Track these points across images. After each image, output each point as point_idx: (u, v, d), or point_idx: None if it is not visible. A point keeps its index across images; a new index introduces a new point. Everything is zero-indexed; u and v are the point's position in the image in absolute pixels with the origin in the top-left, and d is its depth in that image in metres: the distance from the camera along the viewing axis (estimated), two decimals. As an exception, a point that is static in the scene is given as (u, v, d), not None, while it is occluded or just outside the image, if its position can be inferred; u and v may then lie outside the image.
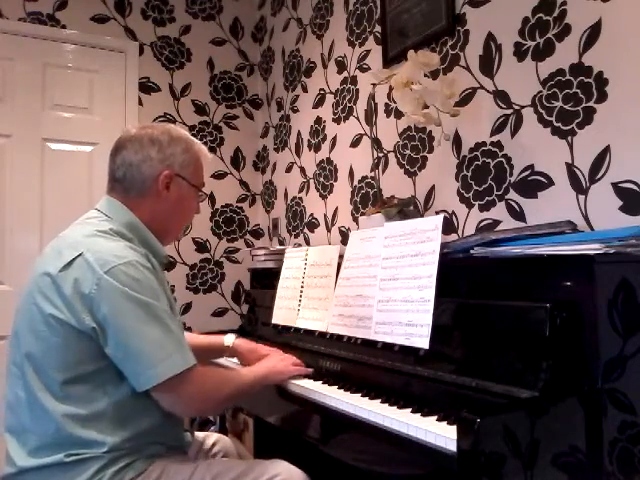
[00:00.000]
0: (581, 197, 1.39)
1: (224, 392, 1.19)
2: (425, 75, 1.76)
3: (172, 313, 1.15)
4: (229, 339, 1.59)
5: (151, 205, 1.25)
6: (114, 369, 1.08)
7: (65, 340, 1.06)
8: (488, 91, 1.66)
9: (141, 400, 1.10)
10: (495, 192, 1.63)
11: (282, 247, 2.29)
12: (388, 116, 2.09)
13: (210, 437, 1.47)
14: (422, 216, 1.78)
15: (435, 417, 1.03)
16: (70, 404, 1.06)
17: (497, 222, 1.62)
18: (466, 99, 1.72)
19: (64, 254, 1.10)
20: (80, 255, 1.08)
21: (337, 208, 2.43)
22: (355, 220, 2.29)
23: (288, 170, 2.89)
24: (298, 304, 1.79)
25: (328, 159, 2.51)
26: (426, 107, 1.58)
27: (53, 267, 1.09)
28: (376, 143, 2.10)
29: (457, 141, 1.76)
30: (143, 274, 1.10)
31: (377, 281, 1.42)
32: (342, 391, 1.28)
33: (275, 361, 1.43)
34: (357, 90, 2.30)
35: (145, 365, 1.05)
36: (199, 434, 1.46)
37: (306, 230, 2.70)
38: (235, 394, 1.23)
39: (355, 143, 2.31)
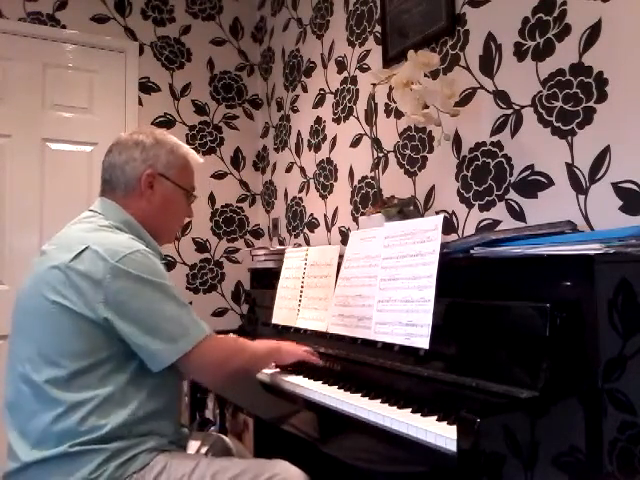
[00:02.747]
0: (581, 197, 1.39)
1: (240, 358, 1.28)
2: (425, 75, 1.76)
3: None
4: None
5: (137, 205, 1.29)
6: (123, 354, 1.12)
7: (78, 329, 1.09)
8: (488, 91, 1.66)
9: (139, 384, 1.13)
10: (495, 192, 1.63)
11: (282, 247, 2.30)
12: (388, 116, 2.09)
13: (210, 437, 1.47)
14: (422, 216, 1.78)
15: (435, 417, 1.04)
16: (79, 391, 1.08)
17: (497, 222, 1.62)
18: (466, 99, 1.72)
19: (71, 248, 1.13)
20: (87, 248, 1.12)
21: (337, 208, 2.43)
22: (355, 220, 2.29)
23: (288, 170, 2.89)
24: (298, 304, 1.79)
25: (328, 159, 2.51)
26: (426, 107, 1.58)
27: (61, 260, 1.12)
28: (376, 143, 2.10)
29: (457, 141, 1.76)
30: (151, 260, 1.16)
31: (377, 281, 1.42)
32: (342, 391, 1.29)
33: (289, 344, 1.50)
34: (357, 90, 2.30)
35: (168, 340, 1.11)
36: (199, 434, 1.46)
37: (306, 230, 2.70)
38: (251, 362, 1.32)
39: (355, 143, 2.31)
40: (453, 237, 1.73)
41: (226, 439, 1.51)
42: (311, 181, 2.66)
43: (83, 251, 1.12)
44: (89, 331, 1.09)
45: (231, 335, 1.58)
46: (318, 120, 2.59)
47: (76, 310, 1.09)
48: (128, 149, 1.28)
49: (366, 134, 2.23)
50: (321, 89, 2.58)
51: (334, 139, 2.46)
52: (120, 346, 1.11)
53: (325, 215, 2.53)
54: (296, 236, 2.80)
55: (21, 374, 1.12)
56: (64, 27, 2.73)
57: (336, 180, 2.44)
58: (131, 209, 1.27)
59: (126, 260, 1.11)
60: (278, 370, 1.52)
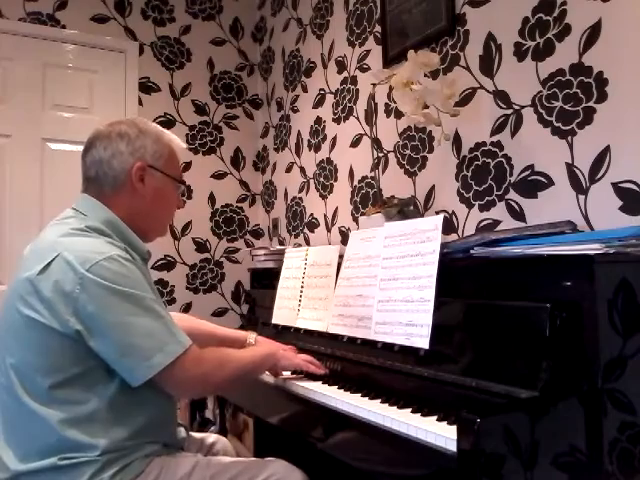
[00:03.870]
0: (581, 197, 1.39)
1: (226, 369, 1.18)
2: (425, 75, 1.76)
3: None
4: (252, 335, 1.60)
5: (128, 201, 1.20)
6: (102, 369, 1.06)
7: (45, 344, 1.04)
8: (488, 91, 1.66)
9: (132, 398, 1.08)
10: (495, 192, 1.63)
11: (282, 247, 2.29)
12: (388, 116, 2.09)
13: (209, 438, 1.46)
14: (422, 216, 1.78)
15: (435, 417, 1.04)
16: (58, 408, 1.03)
17: (497, 222, 1.62)
18: (466, 99, 1.72)
19: (42, 256, 1.07)
20: (58, 255, 1.05)
21: (337, 208, 2.43)
22: (355, 220, 2.29)
23: (288, 170, 2.89)
24: (298, 304, 1.79)
25: (328, 159, 2.51)
26: (426, 107, 1.58)
27: (32, 271, 1.06)
28: (376, 143, 2.10)
29: (457, 141, 1.76)
30: (126, 267, 1.07)
31: (377, 281, 1.42)
32: (342, 391, 1.28)
33: (288, 349, 1.44)
34: (357, 90, 2.30)
35: (142, 357, 1.04)
36: (198, 435, 1.45)
37: (306, 230, 2.70)
38: (238, 371, 1.22)
39: (355, 143, 2.31)
40: (453, 237, 1.73)
41: (225, 440, 1.50)
42: (311, 181, 2.66)
43: (53, 260, 1.05)
44: (59, 346, 1.03)
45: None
46: (318, 120, 2.59)
47: (46, 323, 1.03)
48: (112, 142, 1.20)
49: (366, 134, 2.23)
50: (321, 89, 2.58)
51: (334, 139, 2.46)
52: (97, 360, 1.05)
53: (325, 215, 2.53)
54: (296, 236, 2.80)
55: (3, 386, 1.09)
56: (64, 27, 2.74)
57: (336, 180, 2.44)
58: (119, 206, 1.19)
59: (97, 268, 1.03)
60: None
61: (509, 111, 1.59)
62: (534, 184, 1.51)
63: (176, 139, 1.31)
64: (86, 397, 1.05)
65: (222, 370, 1.17)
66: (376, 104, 2.11)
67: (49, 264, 1.05)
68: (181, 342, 1.09)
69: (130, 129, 1.23)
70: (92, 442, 1.03)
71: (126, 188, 1.20)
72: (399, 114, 2.00)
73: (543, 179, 1.49)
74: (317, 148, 2.60)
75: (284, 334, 1.83)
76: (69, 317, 1.02)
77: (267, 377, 1.50)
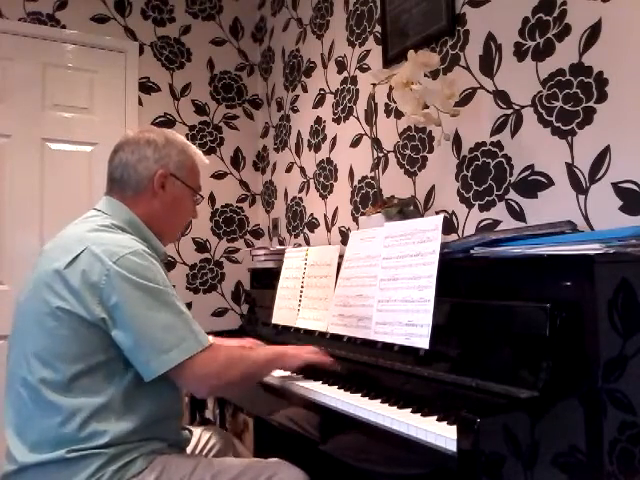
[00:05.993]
0: (581, 197, 1.39)
1: (238, 369, 1.20)
2: (425, 75, 1.76)
3: None
4: None
5: (147, 204, 1.28)
6: (121, 359, 1.10)
7: (74, 332, 1.07)
8: (488, 91, 1.66)
9: (142, 391, 1.11)
10: (495, 192, 1.63)
11: (282, 247, 2.30)
12: (388, 116, 2.09)
13: (207, 430, 1.48)
14: (422, 216, 1.78)
15: (435, 417, 1.03)
16: (75, 397, 1.07)
17: (497, 222, 1.62)
18: (466, 99, 1.72)
19: (70, 249, 1.12)
20: (86, 249, 1.11)
21: (337, 208, 2.43)
22: (355, 220, 2.29)
23: (288, 170, 2.89)
24: (298, 304, 1.79)
25: (328, 159, 2.51)
26: (426, 107, 1.58)
27: (60, 263, 1.11)
28: (376, 143, 2.10)
29: (457, 141, 1.76)
30: (150, 262, 1.13)
31: (377, 281, 1.42)
32: (342, 391, 1.28)
33: (292, 346, 1.44)
34: (357, 90, 2.30)
35: (158, 351, 1.07)
36: (195, 428, 1.47)
37: (306, 230, 2.70)
38: (250, 371, 1.25)
39: (355, 143, 2.31)
40: (453, 237, 1.73)
41: (223, 432, 1.52)
42: (311, 181, 2.66)
43: (82, 252, 1.10)
44: (86, 334, 1.08)
45: (232, 343, 1.50)
46: (318, 120, 2.59)
47: (74, 312, 1.07)
48: (140, 148, 1.27)
49: (366, 134, 2.23)
50: (321, 89, 2.58)
51: (334, 139, 2.46)
52: (119, 350, 1.09)
53: (325, 215, 2.53)
54: (296, 236, 2.80)
55: (20, 377, 1.11)
56: (64, 27, 2.73)
57: (336, 180, 2.44)
58: (139, 208, 1.26)
59: (124, 261, 1.09)
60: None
61: (509, 111, 1.59)
62: (534, 184, 1.52)
63: (200, 154, 1.41)
64: (103, 387, 1.09)
65: (235, 368, 1.20)
66: (376, 104, 2.11)
67: (77, 256, 1.10)
68: (200, 340, 1.12)
69: (158, 137, 1.31)
70: (102, 429, 1.06)
71: (147, 192, 1.28)
72: (399, 114, 2.01)
73: (543, 179, 1.49)
74: (317, 148, 2.60)
75: (284, 334, 1.83)
76: (95, 306, 1.07)
77: (267, 377, 1.50)
